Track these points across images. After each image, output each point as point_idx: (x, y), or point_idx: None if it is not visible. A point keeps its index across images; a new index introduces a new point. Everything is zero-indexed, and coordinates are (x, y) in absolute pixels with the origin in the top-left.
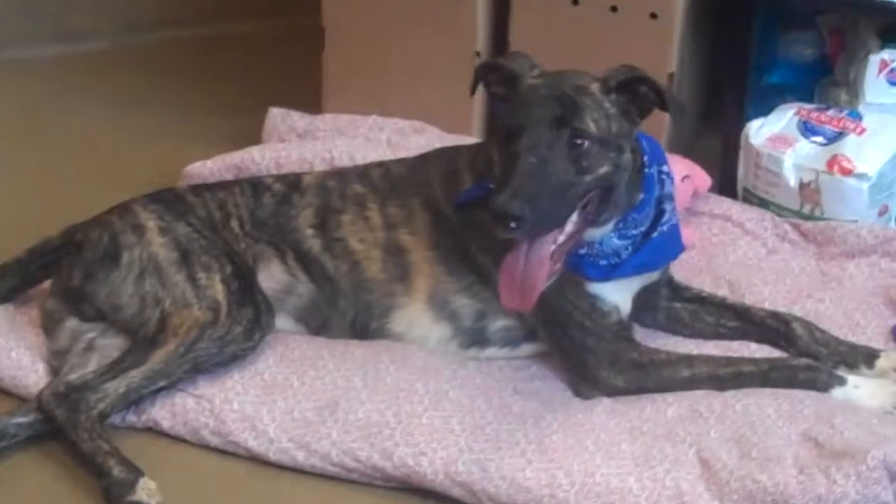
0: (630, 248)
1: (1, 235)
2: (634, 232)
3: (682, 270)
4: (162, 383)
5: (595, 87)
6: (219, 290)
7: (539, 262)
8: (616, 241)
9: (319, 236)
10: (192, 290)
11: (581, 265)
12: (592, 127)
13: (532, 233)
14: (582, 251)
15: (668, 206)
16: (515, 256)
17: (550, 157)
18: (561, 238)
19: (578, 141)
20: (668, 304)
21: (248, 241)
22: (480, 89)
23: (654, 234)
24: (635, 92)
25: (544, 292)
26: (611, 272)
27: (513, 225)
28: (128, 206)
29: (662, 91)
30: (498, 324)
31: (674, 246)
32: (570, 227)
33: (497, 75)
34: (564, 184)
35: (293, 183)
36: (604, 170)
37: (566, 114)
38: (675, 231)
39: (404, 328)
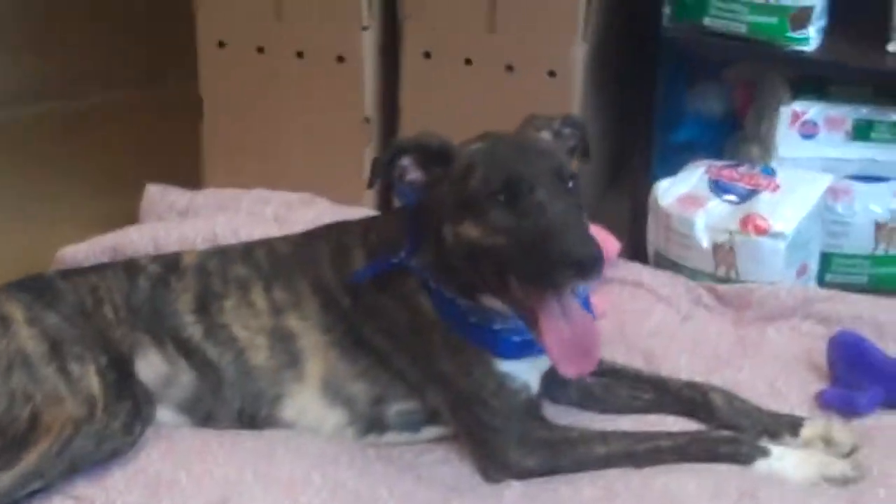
0: None
1: None
2: None
3: None
4: (36, 485)
5: (545, 134)
6: (94, 383)
7: (582, 313)
8: None
9: (200, 323)
10: (64, 383)
11: (493, 342)
12: (571, 168)
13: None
14: (496, 326)
15: None
16: (554, 321)
17: (567, 200)
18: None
19: (571, 184)
20: (580, 380)
21: (124, 329)
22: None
23: None
24: (561, 135)
25: (447, 371)
26: (523, 350)
27: (599, 269)
28: None
29: (585, 129)
30: (397, 408)
31: None
32: None
33: (418, 159)
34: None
35: (171, 264)
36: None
37: (558, 162)
38: (586, 304)
39: (296, 416)
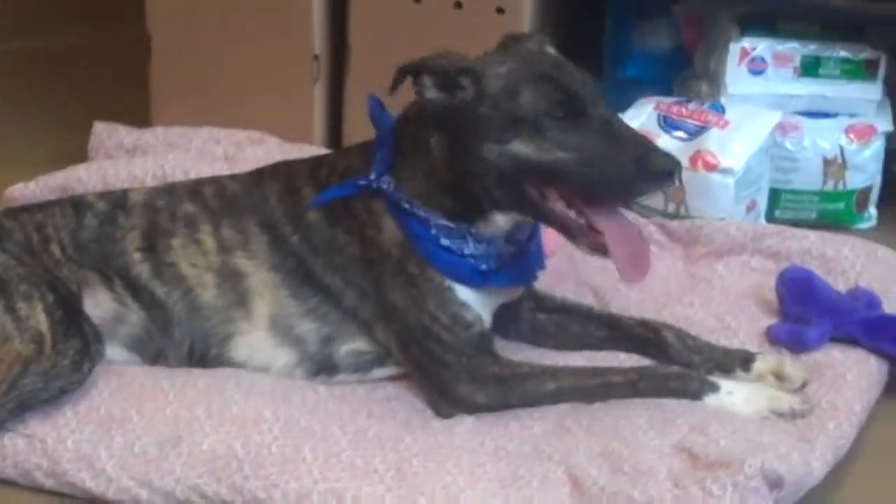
0: (510, 256)
1: None
2: (521, 237)
3: (545, 279)
4: None
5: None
6: (41, 321)
7: (633, 223)
8: (503, 245)
9: (148, 261)
10: (11, 322)
11: (459, 267)
12: None
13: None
14: (467, 251)
15: None
16: (618, 232)
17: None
18: None
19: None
20: (532, 315)
21: (71, 267)
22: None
23: (531, 244)
24: None
25: (399, 304)
26: (484, 279)
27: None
28: None
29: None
30: (346, 348)
31: (539, 257)
32: None
33: (437, 79)
34: None
35: (118, 201)
36: None
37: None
38: (541, 241)
39: (245, 356)
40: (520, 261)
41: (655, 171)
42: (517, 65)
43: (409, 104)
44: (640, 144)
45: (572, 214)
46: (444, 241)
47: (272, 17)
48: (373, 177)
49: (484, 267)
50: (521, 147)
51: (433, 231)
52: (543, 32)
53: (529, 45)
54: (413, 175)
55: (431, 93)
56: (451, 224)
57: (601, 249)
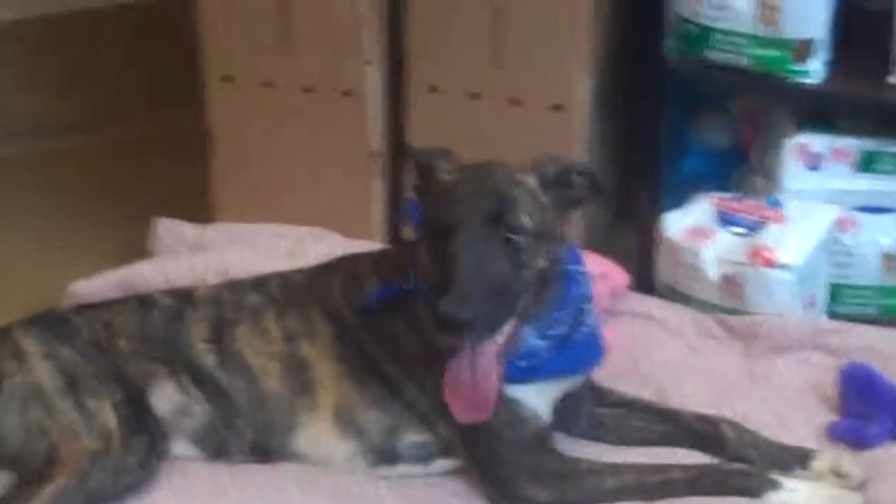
0: (551, 350)
1: None
2: (554, 333)
3: (604, 374)
4: None
5: (530, 179)
6: (110, 417)
7: (487, 368)
8: (536, 342)
9: (214, 351)
10: (80, 418)
11: None
12: (527, 221)
13: (481, 337)
14: None
15: (586, 307)
16: (459, 366)
17: (488, 255)
18: (500, 339)
19: (513, 237)
20: (592, 409)
21: (138, 361)
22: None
23: (576, 336)
24: (569, 182)
25: None
26: (530, 374)
27: (464, 331)
28: (6, 332)
29: (597, 179)
30: (409, 439)
31: (596, 349)
32: (508, 328)
33: (416, 168)
34: (505, 282)
35: (184, 297)
36: (540, 264)
37: (500, 208)
38: (596, 333)
39: (308, 446)
40: (565, 354)
41: (436, 317)
42: (455, 177)
43: None
44: (448, 284)
45: None
46: None
47: (331, 114)
48: (412, 281)
49: (524, 364)
50: (423, 252)
51: None
52: (574, 164)
53: (534, 166)
54: None
55: (415, 182)
56: None
57: None
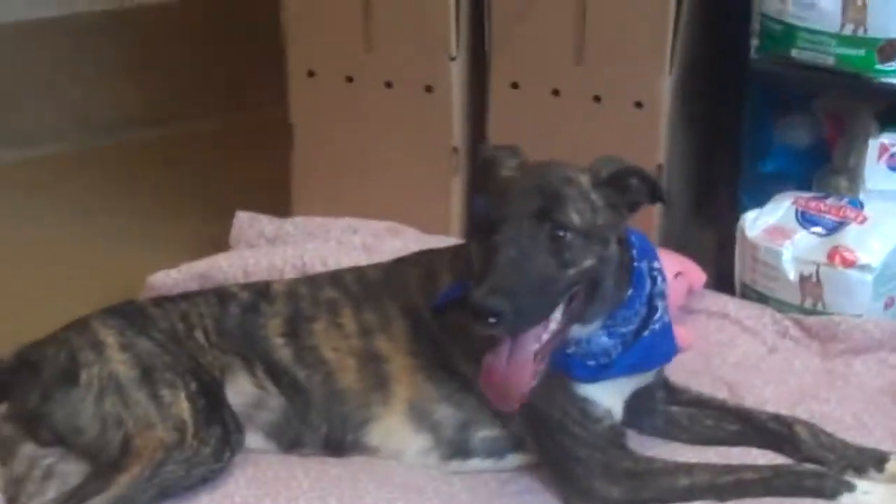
0: (620, 348)
1: None
2: (624, 330)
3: (679, 372)
4: None
5: (583, 178)
6: (184, 409)
7: (522, 362)
8: (605, 340)
9: (290, 345)
10: (155, 409)
11: (569, 365)
12: (575, 219)
13: (513, 330)
14: (569, 351)
15: (660, 304)
16: (497, 356)
17: (531, 250)
18: (545, 336)
19: (560, 233)
20: (665, 407)
21: (215, 354)
22: (456, 186)
23: (646, 333)
24: (625, 184)
25: (532, 398)
26: (600, 372)
27: (492, 321)
28: (86, 322)
29: (656, 183)
30: (482, 434)
31: (667, 346)
32: (553, 324)
33: (481, 165)
34: (546, 278)
35: (261, 291)
36: (588, 263)
37: (548, 205)
38: (667, 330)
39: (381, 440)
40: (635, 352)
41: (470, 306)
42: (508, 175)
43: None
44: (485, 276)
45: None
46: None
47: (412, 110)
48: None
49: (592, 363)
50: (472, 247)
51: None
52: (630, 168)
53: (595, 167)
54: None
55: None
56: None
57: None
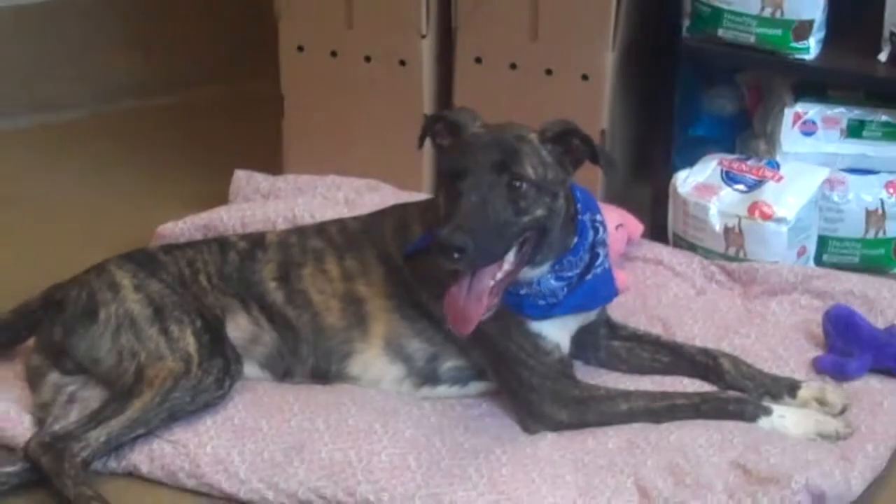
0: (566, 290)
1: None
2: (569, 274)
3: (619, 311)
4: (140, 431)
5: (533, 136)
6: (190, 343)
7: (479, 293)
8: (553, 283)
9: (282, 288)
10: (165, 343)
11: (522, 305)
12: (530, 172)
13: (473, 265)
14: (522, 292)
15: (601, 251)
16: (459, 287)
17: (491, 197)
18: (499, 275)
19: (517, 184)
20: (607, 342)
21: (216, 295)
22: (428, 146)
23: (589, 277)
24: (569, 144)
25: (491, 334)
26: (549, 311)
27: (456, 255)
28: (104, 266)
29: (593, 144)
30: (448, 364)
31: (608, 288)
32: (507, 265)
33: (442, 126)
34: (503, 222)
35: (257, 240)
36: (539, 212)
37: (506, 159)
38: (608, 274)
39: (361, 371)
40: (580, 293)
41: (438, 244)
42: (474, 133)
43: None
44: (450, 217)
45: None
46: None
47: (388, 81)
48: None
49: (543, 302)
50: (440, 196)
51: None
52: (573, 129)
53: (543, 127)
54: None
55: (444, 139)
56: None
57: None
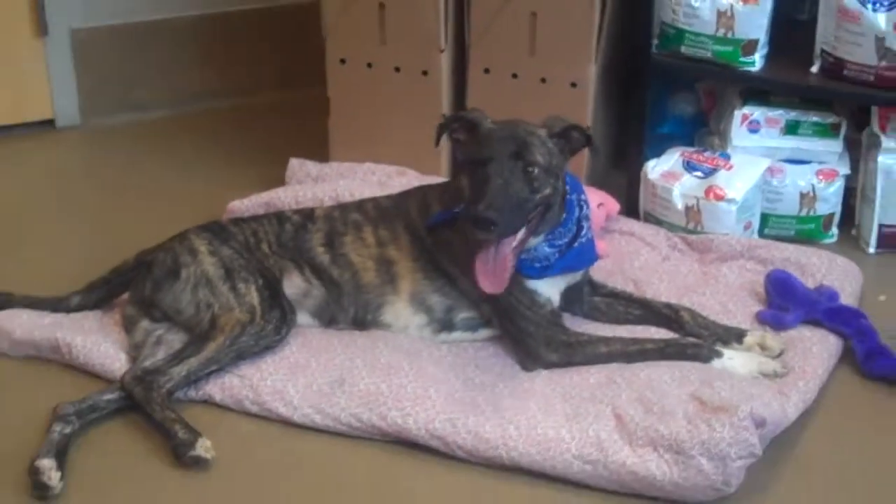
0: (557, 255)
1: (92, 259)
2: (560, 242)
3: (600, 273)
4: (213, 367)
5: (542, 131)
6: (254, 297)
7: (504, 259)
8: (546, 249)
9: (328, 253)
10: (234, 297)
11: (521, 266)
12: (540, 159)
13: (502, 235)
14: (522, 256)
15: (585, 224)
16: (485, 256)
17: (512, 179)
18: (515, 243)
19: (530, 169)
20: (590, 298)
21: (275, 259)
22: (444, 141)
23: (575, 245)
24: (570, 136)
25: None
26: (543, 272)
27: (491, 228)
28: (185, 235)
29: (589, 135)
30: (462, 315)
31: (590, 254)
32: (520, 234)
33: (460, 124)
34: (522, 200)
35: (308, 214)
36: (547, 191)
37: (521, 149)
38: (590, 243)
39: (392, 319)
40: (568, 258)
41: (471, 217)
42: (491, 127)
43: None
44: (482, 196)
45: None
46: None
47: (414, 87)
48: (462, 205)
49: (538, 265)
50: (461, 181)
51: None
52: (574, 125)
53: (547, 123)
54: None
55: (459, 134)
56: None
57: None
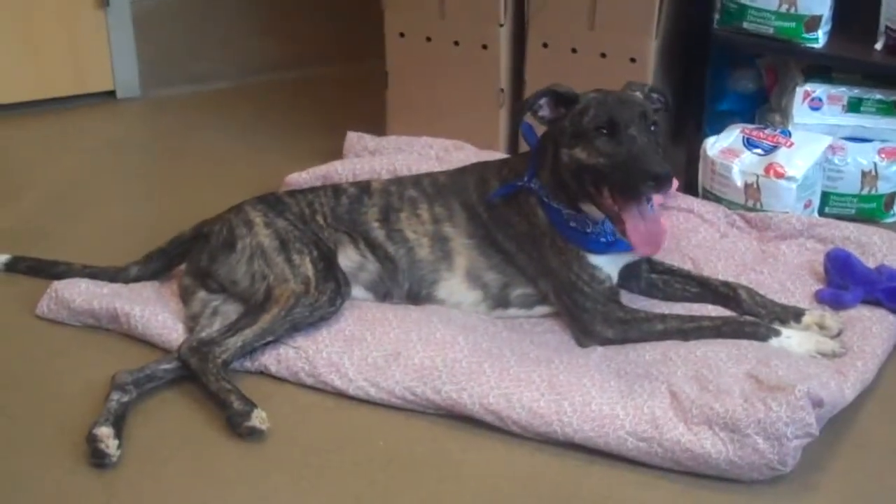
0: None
1: (151, 229)
2: None
3: None
4: (269, 338)
5: (642, 98)
6: (309, 269)
7: (656, 218)
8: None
9: (383, 228)
10: (289, 269)
11: (587, 241)
12: (656, 118)
13: (668, 187)
14: (588, 230)
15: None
16: (633, 221)
17: (647, 136)
18: (658, 198)
19: (653, 127)
20: (647, 275)
21: (330, 231)
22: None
23: None
24: (652, 98)
25: (554, 266)
26: (607, 248)
27: (668, 183)
28: (241, 207)
29: (666, 96)
30: (518, 291)
31: None
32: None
33: (550, 99)
34: (662, 153)
35: (364, 188)
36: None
37: (646, 111)
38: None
39: (446, 295)
40: None
41: (652, 176)
42: (597, 96)
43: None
44: (646, 156)
45: (615, 208)
46: (573, 224)
47: (472, 60)
48: (526, 179)
49: (604, 240)
50: (580, 153)
51: (564, 217)
52: (655, 87)
53: (626, 88)
54: (546, 177)
55: (545, 111)
56: (573, 212)
57: (623, 233)
